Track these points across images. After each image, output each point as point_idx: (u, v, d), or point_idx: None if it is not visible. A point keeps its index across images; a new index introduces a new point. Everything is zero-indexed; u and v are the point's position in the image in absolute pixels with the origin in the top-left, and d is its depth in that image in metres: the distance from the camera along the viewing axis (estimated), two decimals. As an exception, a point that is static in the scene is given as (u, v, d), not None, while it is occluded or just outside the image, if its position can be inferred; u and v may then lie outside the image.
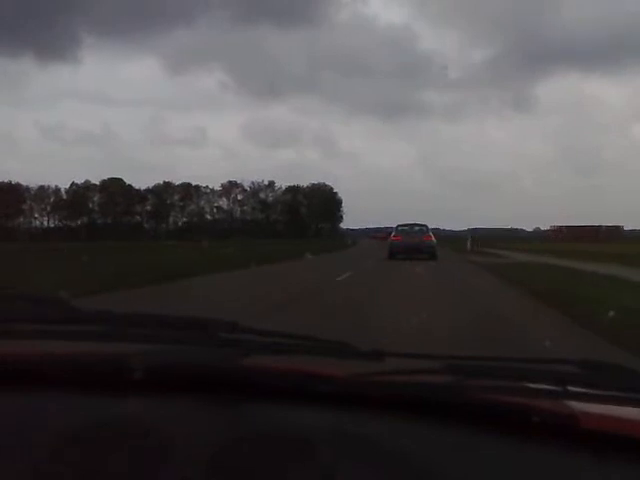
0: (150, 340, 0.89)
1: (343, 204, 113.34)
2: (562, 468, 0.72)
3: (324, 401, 0.78)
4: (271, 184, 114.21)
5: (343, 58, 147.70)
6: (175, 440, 0.71)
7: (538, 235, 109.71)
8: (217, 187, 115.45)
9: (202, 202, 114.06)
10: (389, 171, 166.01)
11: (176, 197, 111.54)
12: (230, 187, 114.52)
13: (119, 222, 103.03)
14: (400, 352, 0.87)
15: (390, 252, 22.30)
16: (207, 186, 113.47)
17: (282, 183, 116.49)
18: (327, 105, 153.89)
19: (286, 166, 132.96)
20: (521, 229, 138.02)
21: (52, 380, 0.80)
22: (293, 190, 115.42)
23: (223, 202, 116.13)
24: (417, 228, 23.85)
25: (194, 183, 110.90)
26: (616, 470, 0.72)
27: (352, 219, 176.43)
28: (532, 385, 0.82)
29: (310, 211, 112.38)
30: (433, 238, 23.02)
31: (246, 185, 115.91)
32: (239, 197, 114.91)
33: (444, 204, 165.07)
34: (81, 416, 0.75)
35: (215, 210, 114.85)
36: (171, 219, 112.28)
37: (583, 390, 0.81)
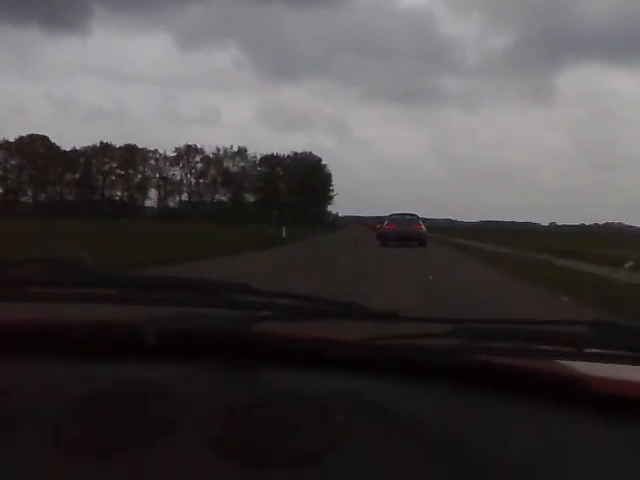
0: (163, 303, 0.96)
1: (333, 182, 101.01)
2: (574, 431, 0.76)
3: (337, 365, 0.87)
4: (242, 151, 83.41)
5: (360, 40, 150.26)
6: (189, 405, 0.78)
7: (553, 230, 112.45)
8: (171, 152, 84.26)
9: (149, 171, 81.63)
10: (401, 159, 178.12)
11: (114, 164, 79.81)
12: (187, 153, 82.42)
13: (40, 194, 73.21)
14: (413, 315, 0.95)
15: (383, 239, 26.38)
16: (156, 150, 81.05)
17: (257, 151, 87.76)
18: (341, 88, 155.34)
19: (297, 150, 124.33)
20: (536, 223, 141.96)
21: (67, 346, 0.90)
22: (271, 160, 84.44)
23: (176, 172, 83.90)
24: (408, 217, 28.14)
25: (141, 145, 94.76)
26: (629, 433, 0.76)
27: (358, 205, 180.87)
28: (544, 347, 0.87)
29: (289, 187, 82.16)
30: (423, 227, 27.50)
31: (209, 151, 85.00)
32: (199, 166, 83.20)
33: (457, 195, 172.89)
34: (96, 382, 0.82)
35: (162, 182, 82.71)
36: (107, 192, 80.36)
37: (595, 351, 0.85)
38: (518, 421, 0.79)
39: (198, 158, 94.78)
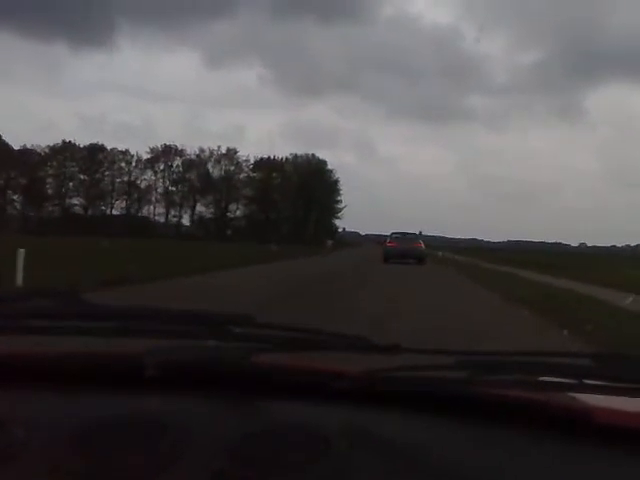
0: (165, 336, 1.02)
1: (342, 191, 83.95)
2: (577, 463, 0.80)
3: (339, 398, 0.90)
4: (231, 153, 65.63)
5: (384, 58, 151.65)
6: (190, 437, 0.80)
7: (583, 251, 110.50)
8: (146, 154, 66.67)
9: (122, 177, 63.99)
10: (425, 177, 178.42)
11: (75, 167, 62.19)
12: (165, 154, 64.63)
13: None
14: (416, 347, 1.01)
15: (385, 256, 30.51)
16: (127, 151, 63.36)
17: (250, 154, 70.65)
18: (366, 106, 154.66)
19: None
20: (566, 244, 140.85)
21: (67, 378, 0.94)
22: (266, 164, 66.42)
23: (148, 177, 65.97)
24: (409, 236, 32.87)
25: (110, 146, 79.62)
26: (631, 464, 0.80)
27: (381, 224, 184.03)
28: (546, 379, 0.93)
29: (285, 196, 64.31)
30: (423, 245, 32.05)
31: (190, 152, 66.68)
32: (175, 169, 65.47)
33: (482, 214, 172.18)
34: (97, 414, 0.85)
35: (127, 187, 64.39)
36: (67, 201, 62.76)
37: (597, 383, 0.90)
38: (523, 454, 0.81)
39: (178, 161, 78.83)
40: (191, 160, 79.16)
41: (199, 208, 79.03)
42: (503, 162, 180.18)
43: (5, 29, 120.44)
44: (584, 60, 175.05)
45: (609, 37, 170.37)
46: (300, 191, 77.32)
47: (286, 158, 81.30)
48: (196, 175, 78.01)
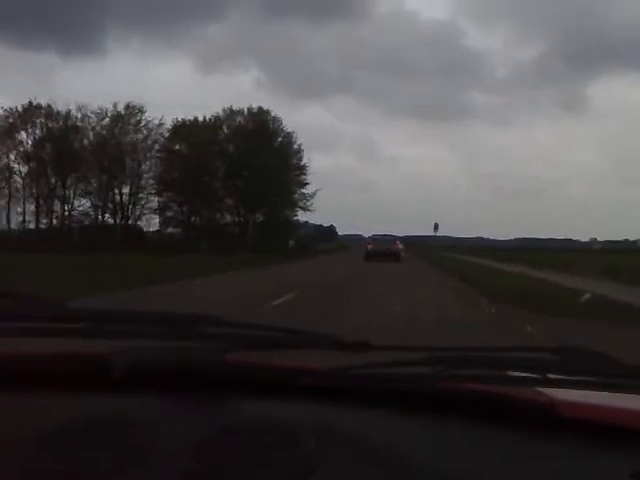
0: (133, 336, 1.03)
1: (309, 168, 53.54)
2: (541, 456, 0.83)
3: (307, 395, 0.92)
4: (132, 109, 37.48)
5: (382, 57, 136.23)
6: (158, 436, 0.82)
7: (594, 247, 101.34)
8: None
9: None
10: (427, 177, 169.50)
11: None
12: (27, 113, 36.00)
13: None
14: (384, 344, 1.02)
15: (366, 256, 34.77)
16: None
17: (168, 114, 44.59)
18: (364, 106, 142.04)
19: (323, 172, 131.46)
20: (576, 240, 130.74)
21: (37, 380, 0.95)
22: (189, 128, 38.14)
23: None
24: (388, 237, 37.95)
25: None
26: (594, 456, 0.82)
27: (383, 224, 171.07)
28: (511, 374, 0.95)
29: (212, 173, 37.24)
30: (400, 246, 37.17)
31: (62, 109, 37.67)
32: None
33: (487, 212, 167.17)
34: (66, 414, 0.87)
35: None
36: None
37: (561, 377, 0.93)
38: (488, 445, 0.83)
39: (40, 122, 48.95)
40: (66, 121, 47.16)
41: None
42: (507, 159, 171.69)
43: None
44: (588, 51, 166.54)
45: (610, 28, 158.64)
46: (239, 163, 48.84)
47: (217, 116, 51.93)
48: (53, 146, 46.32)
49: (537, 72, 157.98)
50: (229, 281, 19.16)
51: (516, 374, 0.93)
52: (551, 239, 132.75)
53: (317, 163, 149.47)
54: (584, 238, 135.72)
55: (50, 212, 48.38)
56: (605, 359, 0.95)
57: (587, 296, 11.65)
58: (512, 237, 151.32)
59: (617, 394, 0.92)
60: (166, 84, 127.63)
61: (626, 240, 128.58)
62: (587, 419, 0.84)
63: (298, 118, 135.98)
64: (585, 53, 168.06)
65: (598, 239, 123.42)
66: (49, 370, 0.95)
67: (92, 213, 48.84)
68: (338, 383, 0.92)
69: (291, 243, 47.36)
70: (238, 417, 0.87)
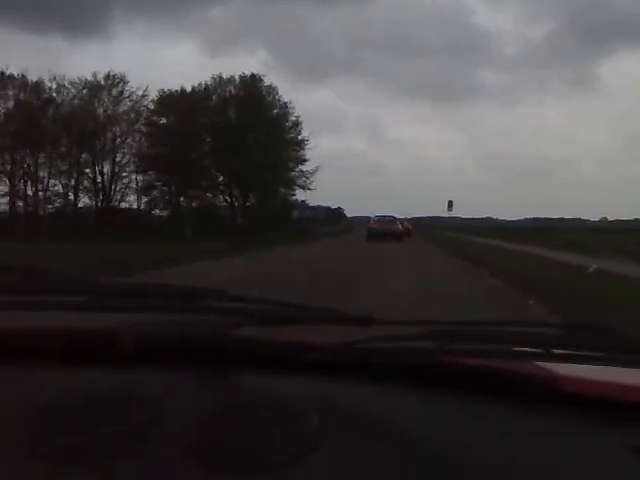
0: (138, 310, 1.01)
1: (308, 142, 47.44)
2: (542, 430, 0.82)
3: (311, 369, 0.91)
4: (113, 79, 31.37)
5: (389, 37, 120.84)
6: (165, 410, 0.81)
7: (605, 226, 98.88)
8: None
9: None
10: (436, 157, 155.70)
11: None
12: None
13: None
14: (388, 319, 1.01)
15: (368, 235, 36.61)
16: None
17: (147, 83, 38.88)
18: (371, 87, 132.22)
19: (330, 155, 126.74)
20: (586, 219, 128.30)
21: (42, 354, 0.94)
22: (175, 100, 32.95)
23: None
24: (388, 219, 39.89)
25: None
26: (596, 431, 0.82)
27: (391, 206, 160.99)
28: (514, 348, 0.95)
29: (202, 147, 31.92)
30: (400, 226, 39.26)
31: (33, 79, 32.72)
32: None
33: (497, 193, 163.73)
34: (71, 389, 0.86)
35: None
36: None
37: (564, 352, 0.93)
38: (490, 420, 0.83)
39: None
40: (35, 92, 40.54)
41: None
42: (516, 138, 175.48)
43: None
44: (599, 29, 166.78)
45: (624, 5, 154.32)
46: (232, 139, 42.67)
47: (206, 84, 46.15)
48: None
49: (547, 50, 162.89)
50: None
51: (518, 349, 0.92)
52: (561, 219, 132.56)
53: (326, 146, 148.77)
54: (594, 217, 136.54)
55: (16, 192, 41.80)
56: (609, 334, 0.94)
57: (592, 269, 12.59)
58: (522, 217, 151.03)
59: (620, 369, 0.91)
60: (172, 66, 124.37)
61: (636, 219, 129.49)
62: (589, 394, 0.83)
63: (305, 100, 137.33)
64: (596, 31, 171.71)
65: (608, 218, 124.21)
66: (54, 344, 0.93)
67: (69, 194, 43.12)
68: (341, 358, 0.91)
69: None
70: (242, 392, 0.86)
